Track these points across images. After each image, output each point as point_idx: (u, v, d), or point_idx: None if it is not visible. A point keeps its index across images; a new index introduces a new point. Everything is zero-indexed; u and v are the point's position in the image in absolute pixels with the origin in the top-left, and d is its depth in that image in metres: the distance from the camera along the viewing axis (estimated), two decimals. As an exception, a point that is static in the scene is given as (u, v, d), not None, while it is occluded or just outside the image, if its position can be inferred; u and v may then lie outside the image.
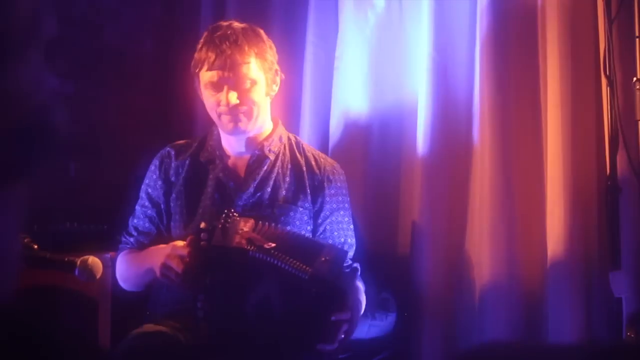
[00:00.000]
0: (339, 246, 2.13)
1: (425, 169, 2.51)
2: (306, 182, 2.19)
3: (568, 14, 2.28)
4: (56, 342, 0.64)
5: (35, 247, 1.67)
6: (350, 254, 2.21)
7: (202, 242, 1.87)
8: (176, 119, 3.04)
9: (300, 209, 2.16)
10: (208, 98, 2.13)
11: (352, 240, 2.22)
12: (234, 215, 1.92)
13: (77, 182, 2.86)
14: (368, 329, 2.33)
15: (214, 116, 2.15)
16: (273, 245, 1.84)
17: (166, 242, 2.06)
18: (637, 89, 2.13)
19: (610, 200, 2.21)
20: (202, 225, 1.90)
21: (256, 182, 2.17)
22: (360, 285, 2.16)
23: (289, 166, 2.21)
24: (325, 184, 2.20)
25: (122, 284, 2.22)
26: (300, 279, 1.80)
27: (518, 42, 2.42)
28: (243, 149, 2.21)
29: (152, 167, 2.24)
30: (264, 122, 2.20)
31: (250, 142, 2.20)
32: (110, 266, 2.19)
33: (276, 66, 2.17)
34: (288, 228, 2.09)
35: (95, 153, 2.92)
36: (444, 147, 2.51)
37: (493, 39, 2.41)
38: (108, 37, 3.06)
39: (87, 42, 2.95)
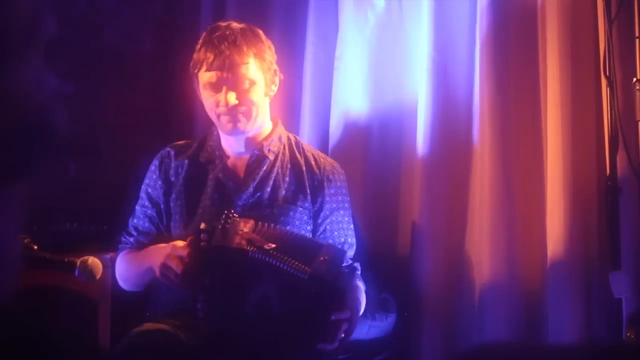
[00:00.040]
0: (339, 246, 2.13)
1: (425, 169, 2.51)
2: (306, 181, 2.19)
3: (568, 14, 2.28)
4: (56, 343, 0.64)
5: (35, 247, 1.67)
6: (351, 253, 2.21)
7: (202, 243, 1.87)
8: (176, 119, 3.04)
9: (300, 209, 2.16)
10: (207, 99, 2.13)
11: (352, 239, 2.22)
12: (234, 216, 1.93)
13: (77, 183, 2.86)
14: (368, 329, 2.33)
15: (213, 117, 2.15)
16: (273, 245, 1.84)
17: (166, 242, 2.06)
18: (637, 89, 2.13)
19: (610, 201, 2.21)
20: (202, 226, 1.90)
21: (255, 182, 2.17)
22: (360, 284, 2.17)
23: (289, 166, 2.21)
24: (325, 183, 2.20)
25: (122, 283, 2.22)
26: (300, 279, 1.80)
27: (518, 42, 2.42)
28: (242, 149, 2.21)
29: (152, 167, 2.25)
30: (263, 122, 2.20)
31: (250, 142, 2.20)
32: (110, 266, 2.20)
33: (275, 66, 2.17)
34: (288, 228, 2.09)
35: (95, 153, 2.92)
36: (444, 147, 2.51)
37: (493, 39, 2.41)
38: (108, 37, 3.06)
39: (87, 42, 2.96)
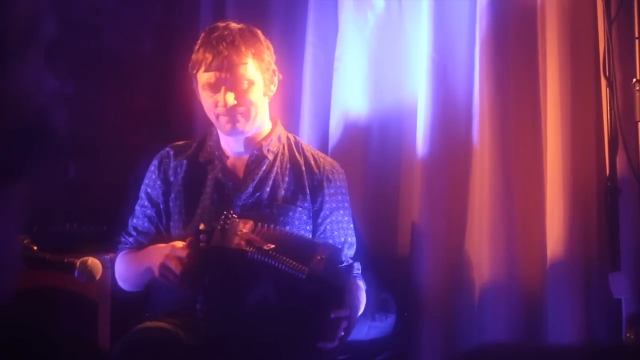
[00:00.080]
0: (339, 245, 2.13)
1: (424, 170, 2.51)
2: (305, 181, 2.19)
3: (568, 14, 2.28)
4: (56, 343, 0.64)
5: (35, 248, 1.67)
6: (351, 253, 2.21)
7: (201, 244, 1.88)
8: (176, 119, 3.04)
9: (299, 209, 2.16)
10: (206, 99, 2.13)
11: (352, 239, 2.22)
12: (233, 217, 1.93)
13: (77, 183, 2.87)
14: (368, 330, 2.33)
15: (212, 117, 2.16)
16: (272, 246, 1.85)
17: (165, 242, 2.06)
18: (637, 90, 2.13)
19: (610, 201, 2.21)
20: (201, 226, 1.90)
21: (255, 182, 2.17)
22: (361, 284, 2.17)
23: (288, 166, 2.21)
24: (324, 183, 2.20)
25: (122, 283, 2.22)
26: (298, 279, 1.81)
27: (518, 43, 2.42)
28: (242, 149, 2.21)
29: (152, 168, 2.25)
30: (262, 122, 2.20)
31: (249, 142, 2.20)
32: (109, 267, 2.20)
33: (274, 66, 2.17)
34: (287, 228, 2.09)
35: (95, 154, 2.92)
36: (444, 148, 2.51)
37: (493, 40, 2.41)
38: (108, 38, 3.06)
39: (86, 43, 2.96)
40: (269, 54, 2.15)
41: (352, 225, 2.24)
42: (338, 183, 2.23)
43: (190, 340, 1.96)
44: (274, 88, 2.18)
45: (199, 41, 2.13)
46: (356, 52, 2.70)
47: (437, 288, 2.45)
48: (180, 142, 2.30)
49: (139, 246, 2.20)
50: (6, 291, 0.61)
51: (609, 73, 2.19)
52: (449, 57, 2.53)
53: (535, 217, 2.35)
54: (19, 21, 0.58)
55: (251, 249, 1.84)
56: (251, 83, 2.10)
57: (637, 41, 2.17)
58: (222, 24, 2.13)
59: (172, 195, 2.18)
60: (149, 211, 2.21)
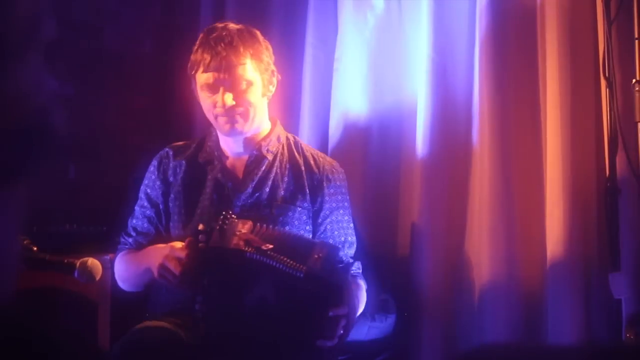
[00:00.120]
0: (339, 245, 2.14)
1: (424, 170, 2.51)
2: (305, 181, 2.19)
3: (567, 15, 2.28)
4: (56, 344, 0.64)
5: (35, 248, 1.67)
6: (351, 252, 2.21)
7: (200, 244, 1.88)
8: (175, 120, 3.04)
9: (299, 209, 2.16)
10: (204, 100, 2.13)
11: (352, 238, 2.22)
12: (232, 217, 1.93)
13: (77, 184, 2.86)
14: (368, 330, 2.33)
15: (210, 118, 2.16)
16: (270, 246, 1.85)
17: (165, 243, 2.06)
18: (637, 90, 2.13)
19: (610, 202, 2.21)
20: (200, 227, 1.91)
21: (254, 183, 2.17)
22: (362, 283, 2.17)
23: (288, 166, 2.21)
24: (324, 183, 2.20)
25: (121, 284, 2.22)
26: (296, 278, 1.81)
27: (517, 43, 2.42)
28: (241, 150, 2.21)
29: (151, 168, 2.25)
30: (261, 122, 2.20)
31: (248, 143, 2.20)
32: (109, 268, 2.20)
33: (272, 67, 2.16)
34: (287, 228, 2.09)
35: (95, 154, 2.92)
36: (444, 148, 2.51)
37: (492, 40, 2.41)
38: (108, 39, 3.06)
39: (86, 43, 2.96)
40: (267, 55, 2.15)
41: (352, 225, 2.24)
42: (338, 183, 2.23)
43: (190, 340, 1.96)
44: (272, 88, 2.18)
45: (197, 42, 2.13)
46: (356, 53, 2.70)
47: (437, 288, 2.46)
48: (180, 143, 2.30)
49: (138, 247, 2.20)
50: (6, 291, 0.61)
51: (609, 73, 2.19)
52: (448, 57, 2.53)
53: (535, 217, 2.35)
54: (19, 21, 0.58)
55: (249, 249, 1.85)
56: (250, 83, 2.09)
57: (636, 42, 2.17)
58: (220, 25, 2.13)
59: (172, 195, 2.18)
60: (148, 212, 2.21)
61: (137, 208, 2.23)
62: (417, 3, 2.58)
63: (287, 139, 2.28)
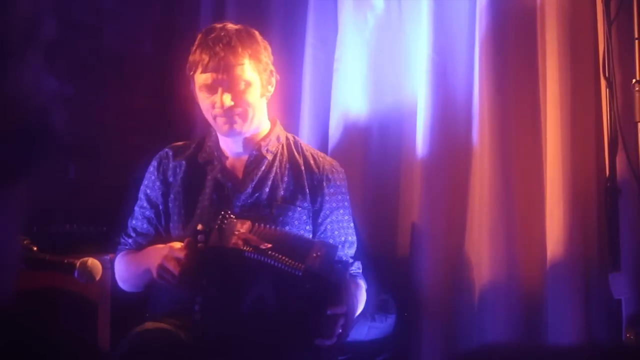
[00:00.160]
0: (339, 245, 2.14)
1: (424, 170, 2.51)
2: (305, 181, 2.19)
3: (567, 15, 2.28)
4: (56, 344, 0.64)
5: (35, 248, 1.67)
6: (352, 252, 2.21)
7: (199, 244, 1.88)
8: (176, 119, 3.04)
9: (299, 209, 2.16)
10: (203, 100, 2.13)
11: (352, 237, 2.22)
12: (231, 217, 1.93)
13: (77, 184, 2.86)
14: (368, 330, 2.33)
15: (209, 118, 2.16)
16: (269, 245, 1.85)
17: (164, 243, 2.06)
18: (637, 90, 2.13)
19: (610, 202, 2.21)
20: (199, 227, 1.91)
21: (254, 183, 2.17)
22: (362, 283, 2.17)
23: (287, 166, 2.21)
24: (324, 183, 2.20)
25: (121, 284, 2.22)
26: (294, 277, 1.81)
27: (517, 43, 2.42)
28: (241, 150, 2.21)
29: (151, 169, 2.25)
30: (260, 122, 2.20)
31: (248, 143, 2.20)
32: (109, 268, 2.20)
33: (271, 67, 2.16)
34: (287, 228, 2.09)
35: (95, 155, 2.92)
36: (444, 148, 2.51)
37: (492, 40, 2.41)
38: (107, 39, 3.06)
39: (86, 43, 2.96)
40: (266, 55, 2.14)
41: (352, 224, 2.24)
42: (338, 182, 2.23)
43: (190, 340, 1.96)
44: (271, 89, 2.18)
45: (196, 42, 2.13)
46: (356, 53, 2.70)
47: (437, 288, 2.46)
48: (179, 143, 2.30)
49: (138, 247, 2.20)
50: (6, 292, 0.61)
51: (609, 74, 2.19)
52: (448, 57, 2.53)
53: (535, 217, 2.35)
54: (19, 21, 0.58)
55: (248, 248, 1.85)
56: (248, 84, 2.09)
57: (636, 42, 2.17)
58: (219, 25, 2.13)
59: (172, 196, 2.18)
60: (148, 212, 2.21)
61: (136, 208, 2.23)
62: (417, 3, 2.58)
63: (287, 138, 2.28)
